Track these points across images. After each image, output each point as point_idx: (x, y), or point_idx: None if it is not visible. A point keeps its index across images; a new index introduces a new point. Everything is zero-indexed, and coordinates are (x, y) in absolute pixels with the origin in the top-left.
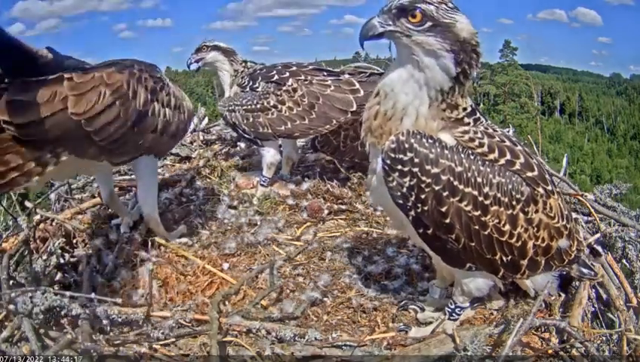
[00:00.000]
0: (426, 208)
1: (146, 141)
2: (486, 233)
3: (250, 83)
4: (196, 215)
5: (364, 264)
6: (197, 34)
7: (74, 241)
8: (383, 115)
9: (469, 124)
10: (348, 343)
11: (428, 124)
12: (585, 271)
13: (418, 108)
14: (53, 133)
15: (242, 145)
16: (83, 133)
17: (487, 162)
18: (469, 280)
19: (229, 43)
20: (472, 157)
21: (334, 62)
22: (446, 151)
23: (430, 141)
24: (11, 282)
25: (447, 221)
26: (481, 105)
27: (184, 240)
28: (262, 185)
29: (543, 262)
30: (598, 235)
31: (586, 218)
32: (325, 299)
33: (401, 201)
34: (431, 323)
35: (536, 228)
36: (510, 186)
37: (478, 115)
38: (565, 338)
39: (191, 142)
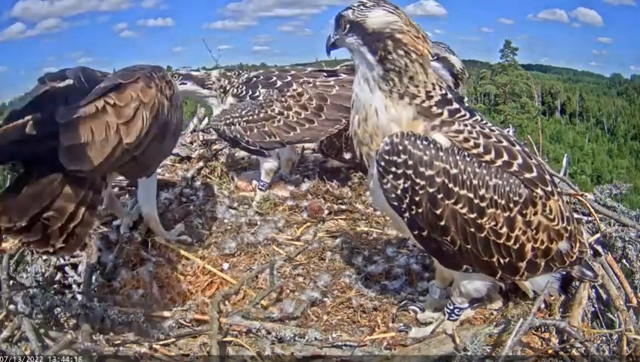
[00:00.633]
0: (420, 210)
1: (169, 147)
2: (482, 235)
3: (250, 92)
4: (196, 215)
5: (364, 264)
6: (197, 34)
7: None
8: (363, 120)
9: (441, 114)
10: (348, 343)
11: (403, 116)
12: (587, 272)
13: (382, 102)
14: (111, 165)
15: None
16: (131, 157)
17: (483, 164)
18: (467, 281)
19: (229, 43)
20: (467, 158)
21: (334, 63)
22: (440, 153)
23: (425, 143)
24: (11, 282)
25: (442, 223)
26: (482, 105)
27: (184, 238)
28: (260, 189)
29: (542, 264)
30: (598, 235)
31: (586, 218)
32: (325, 299)
33: (395, 203)
34: (431, 323)
35: (534, 231)
36: (507, 188)
37: (455, 105)
38: (565, 338)
39: (191, 142)
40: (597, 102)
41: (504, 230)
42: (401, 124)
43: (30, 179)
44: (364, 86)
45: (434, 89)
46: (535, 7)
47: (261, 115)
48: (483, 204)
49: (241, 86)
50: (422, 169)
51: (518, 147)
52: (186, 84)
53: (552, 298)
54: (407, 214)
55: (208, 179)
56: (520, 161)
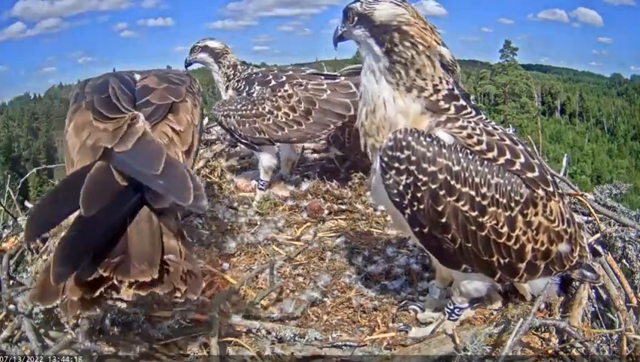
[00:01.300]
0: (422, 207)
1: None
2: (483, 234)
3: (247, 88)
4: (196, 215)
5: (364, 264)
6: (198, 33)
7: None
8: (371, 112)
9: (448, 109)
10: (348, 343)
11: (412, 109)
12: (587, 273)
13: (391, 94)
14: None
15: (242, 145)
16: None
17: (485, 162)
18: (467, 281)
19: (229, 42)
20: (470, 156)
21: (334, 63)
22: (444, 150)
23: (428, 139)
24: (11, 282)
25: (443, 220)
26: (482, 105)
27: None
28: (260, 188)
29: (542, 266)
30: (598, 235)
31: (586, 218)
32: (325, 299)
33: (397, 199)
34: (431, 323)
35: (535, 231)
36: (509, 187)
37: (462, 102)
38: (565, 338)
39: None
40: (597, 102)
41: (505, 229)
42: (408, 117)
43: (112, 223)
44: (370, 77)
45: (441, 82)
46: (535, 7)
47: (253, 112)
48: (484, 203)
49: (241, 81)
50: (425, 165)
51: (520, 146)
52: (202, 54)
53: (552, 298)
54: (408, 210)
55: (208, 179)
56: (522, 160)
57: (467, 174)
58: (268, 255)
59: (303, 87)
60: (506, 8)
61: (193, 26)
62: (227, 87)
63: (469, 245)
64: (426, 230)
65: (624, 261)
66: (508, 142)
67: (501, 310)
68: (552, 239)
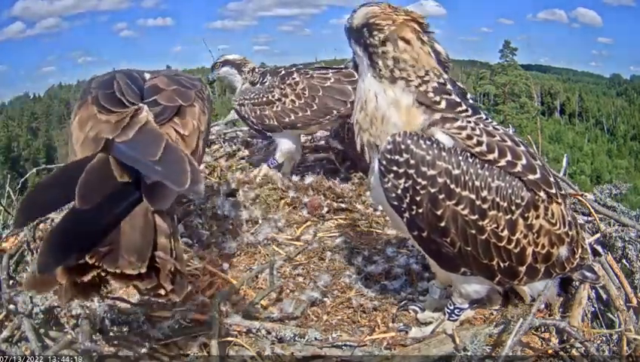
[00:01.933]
0: (420, 211)
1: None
2: (483, 238)
3: (261, 79)
4: (196, 215)
5: (364, 264)
6: (197, 33)
7: None
8: (364, 104)
9: (439, 103)
10: (348, 343)
11: (403, 100)
12: (588, 274)
13: (379, 87)
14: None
15: (241, 145)
16: None
17: (486, 165)
18: (467, 283)
19: (229, 42)
20: (470, 159)
21: (334, 63)
22: (443, 153)
23: (428, 142)
24: (11, 282)
25: (443, 224)
26: (481, 105)
27: (184, 239)
28: (269, 165)
29: (542, 269)
30: (598, 235)
31: (586, 218)
32: (325, 299)
33: (395, 203)
34: (431, 323)
35: (536, 234)
36: (510, 190)
37: (455, 98)
38: (565, 338)
39: None
40: (596, 102)
41: (505, 233)
42: (400, 109)
43: (109, 215)
44: (360, 77)
45: (428, 74)
46: (535, 8)
47: (264, 99)
48: (485, 206)
49: (256, 74)
50: (424, 168)
51: (522, 147)
52: (225, 67)
53: (552, 300)
54: (406, 214)
55: (208, 179)
56: (524, 161)
57: (467, 178)
58: (268, 255)
59: (309, 76)
60: (506, 8)
61: (193, 26)
62: (245, 79)
63: (469, 249)
64: (424, 234)
65: (624, 261)
66: (509, 143)
67: (501, 310)
68: (553, 242)
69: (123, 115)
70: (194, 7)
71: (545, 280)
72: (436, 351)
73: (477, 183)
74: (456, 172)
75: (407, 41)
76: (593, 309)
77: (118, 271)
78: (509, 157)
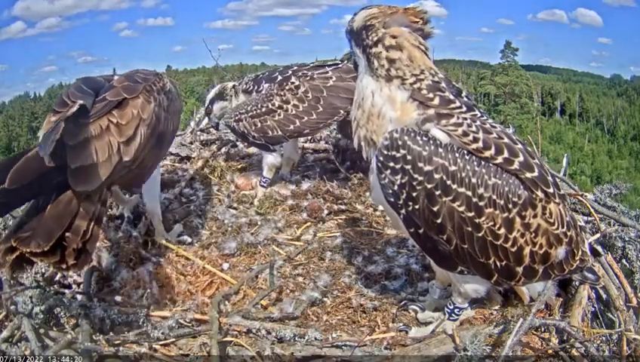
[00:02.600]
0: (417, 207)
1: (164, 153)
2: (479, 235)
3: (256, 87)
4: (196, 215)
5: (364, 264)
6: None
7: None
8: (361, 101)
9: (432, 99)
10: (348, 343)
11: (397, 96)
12: (588, 275)
13: (375, 85)
14: (111, 181)
15: (241, 145)
16: (129, 170)
17: (482, 162)
18: (465, 282)
19: (229, 42)
20: (467, 156)
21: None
22: (440, 149)
23: (424, 139)
24: (12, 282)
25: (439, 221)
26: (482, 105)
27: (184, 238)
28: (262, 185)
29: (540, 270)
30: (598, 235)
31: (586, 218)
32: (325, 299)
33: (392, 199)
34: (431, 323)
35: (533, 234)
36: (507, 188)
37: (448, 95)
38: (565, 338)
39: (191, 143)
40: (597, 102)
41: (502, 231)
42: (395, 104)
43: (45, 203)
44: (359, 77)
45: (423, 73)
46: (535, 8)
47: (263, 110)
48: (481, 203)
49: (249, 82)
50: (420, 164)
51: (520, 145)
52: (216, 104)
53: (551, 302)
54: (403, 211)
55: (208, 179)
56: (521, 159)
57: (464, 174)
58: (268, 255)
59: (309, 78)
60: (506, 9)
61: (193, 26)
62: (236, 92)
63: (465, 246)
64: (421, 230)
65: (624, 261)
66: (506, 140)
67: (501, 310)
68: (552, 242)
69: (62, 113)
70: (194, 7)
71: (544, 282)
72: (436, 351)
73: (473, 180)
74: (452, 168)
75: (403, 43)
76: (593, 309)
77: (29, 250)
78: (505, 155)
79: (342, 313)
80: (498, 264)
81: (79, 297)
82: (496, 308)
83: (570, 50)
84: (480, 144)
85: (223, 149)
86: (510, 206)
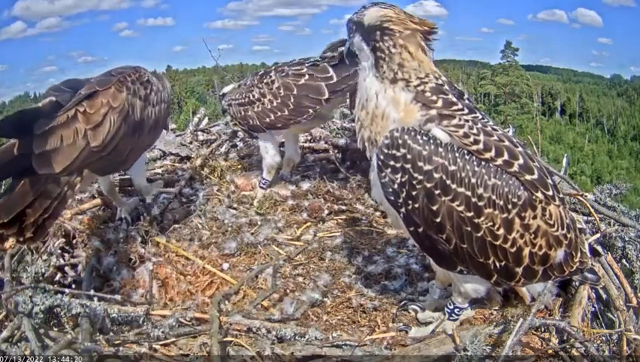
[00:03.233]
0: (416, 205)
1: (144, 142)
2: (479, 235)
3: (245, 80)
4: (196, 215)
5: (364, 264)
6: (198, 33)
7: (74, 242)
8: (365, 102)
9: (435, 101)
10: (348, 343)
11: (402, 98)
12: (589, 275)
13: (380, 86)
14: (78, 166)
15: (240, 144)
16: (99, 156)
17: (482, 162)
18: (465, 282)
19: (229, 42)
20: (466, 156)
21: None
22: (440, 149)
23: (424, 138)
24: (14, 282)
25: (438, 220)
26: (482, 105)
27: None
28: (261, 187)
29: (540, 271)
30: (598, 235)
31: (586, 218)
32: (325, 299)
33: (392, 198)
34: (431, 323)
35: (533, 235)
36: (506, 189)
37: (450, 97)
38: (565, 338)
39: (190, 142)
40: (597, 102)
41: (501, 231)
42: (399, 105)
43: (16, 185)
44: (362, 74)
45: (427, 76)
46: (535, 8)
47: (246, 100)
48: (480, 203)
49: (242, 79)
50: (420, 163)
51: (520, 148)
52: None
53: (550, 303)
54: (403, 209)
55: (208, 179)
56: (521, 161)
57: (463, 174)
58: (268, 255)
59: (284, 74)
60: (506, 9)
61: (193, 26)
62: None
63: (465, 246)
64: (420, 229)
65: (624, 261)
66: (506, 143)
67: (501, 310)
68: (551, 244)
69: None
70: (194, 7)
71: (544, 282)
72: (436, 351)
73: (473, 180)
74: (452, 168)
75: (415, 50)
76: (593, 309)
77: None
78: (505, 157)
79: (342, 313)
80: (497, 264)
81: (79, 296)
82: (496, 308)
83: (571, 50)
84: (480, 146)
85: (223, 149)
86: (510, 206)
